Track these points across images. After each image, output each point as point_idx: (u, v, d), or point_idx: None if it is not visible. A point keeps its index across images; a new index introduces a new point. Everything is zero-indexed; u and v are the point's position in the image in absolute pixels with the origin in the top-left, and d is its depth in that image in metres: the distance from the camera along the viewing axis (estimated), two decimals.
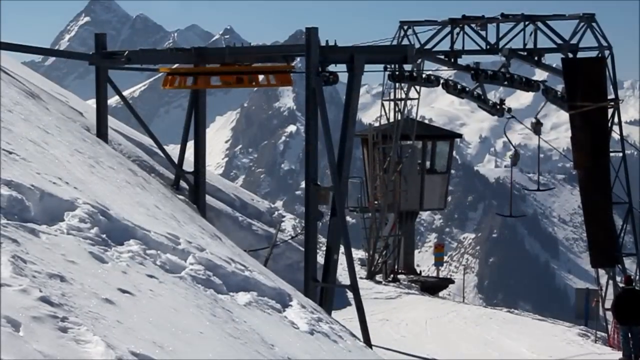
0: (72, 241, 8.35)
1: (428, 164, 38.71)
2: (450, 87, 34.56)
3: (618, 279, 29.80)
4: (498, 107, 34.40)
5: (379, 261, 36.51)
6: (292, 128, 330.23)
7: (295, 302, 11.34)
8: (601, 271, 31.35)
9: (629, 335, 23.55)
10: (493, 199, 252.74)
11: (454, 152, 41.60)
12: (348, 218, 25.06)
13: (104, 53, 22.66)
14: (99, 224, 9.20)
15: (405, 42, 33.52)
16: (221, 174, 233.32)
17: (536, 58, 31.84)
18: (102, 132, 22.69)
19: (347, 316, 22.28)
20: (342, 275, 28.64)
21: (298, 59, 23.04)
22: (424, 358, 22.52)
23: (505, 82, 32.73)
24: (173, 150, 30.48)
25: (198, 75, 22.99)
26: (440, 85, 35.06)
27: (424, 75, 35.11)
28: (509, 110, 34.85)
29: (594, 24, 30.86)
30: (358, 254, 38.10)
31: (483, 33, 32.33)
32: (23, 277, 6.52)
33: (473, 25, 32.41)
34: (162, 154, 26.51)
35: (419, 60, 34.24)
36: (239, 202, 32.94)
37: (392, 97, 36.63)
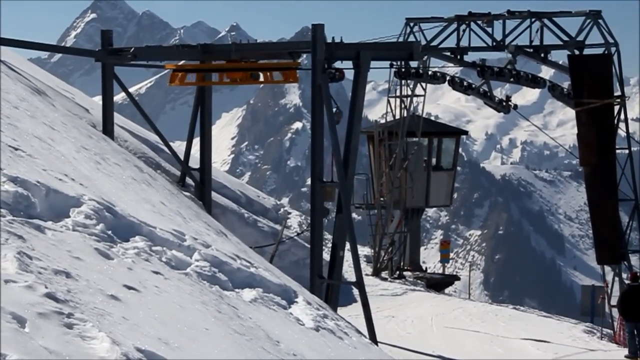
0: (77, 237, 8.36)
1: (434, 160, 38.67)
2: (457, 84, 34.50)
3: (624, 275, 29.74)
4: (504, 103, 34.34)
5: (384, 258, 36.49)
6: (298, 125, 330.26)
7: (301, 298, 11.35)
8: (607, 268, 31.27)
9: (635, 332, 23.54)
10: (499, 196, 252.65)
11: (460, 149, 41.47)
12: (354, 215, 25.07)
13: (110, 50, 22.69)
14: (105, 220, 9.21)
15: (411, 39, 33.46)
16: (227, 170, 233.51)
17: (542, 55, 31.76)
18: (108, 128, 22.73)
19: (352, 313, 22.29)
20: (348, 272, 28.67)
21: (304, 55, 23.05)
22: (429, 354, 22.52)
23: (512, 79, 32.64)
24: (179, 147, 30.49)
25: (204, 72, 23.04)
26: (446, 82, 34.98)
27: (430, 72, 35.06)
28: (515, 107, 34.79)
29: (600, 21, 30.77)
30: (364, 250, 38.07)
31: (489, 30, 32.25)
32: (29, 274, 6.53)
33: (479, 22, 32.33)
34: (168, 151, 26.56)
35: (425, 57, 34.18)
36: (244, 199, 32.95)
37: (398, 94, 36.59)
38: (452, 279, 40.76)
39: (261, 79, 22.58)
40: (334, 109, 23.41)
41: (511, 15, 32.00)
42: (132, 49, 22.52)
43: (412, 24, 34.22)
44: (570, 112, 32.66)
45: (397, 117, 36.69)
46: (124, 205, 10.52)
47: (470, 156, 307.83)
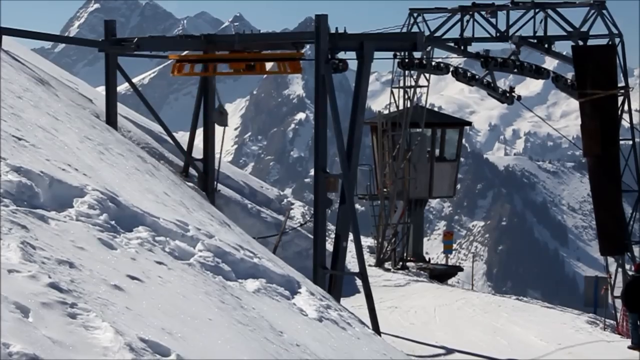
0: (81, 227, 8.36)
1: (437, 151, 38.66)
2: (460, 75, 34.44)
3: (627, 266, 29.75)
4: (508, 94, 34.31)
5: (387, 249, 36.50)
6: (301, 115, 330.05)
7: (304, 289, 11.35)
8: (610, 259, 31.27)
9: (638, 323, 23.55)
10: (502, 187, 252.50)
11: (464, 140, 41.44)
12: (357, 206, 25.07)
13: (114, 40, 22.67)
14: (108, 210, 9.22)
15: (414, 29, 33.44)
16: (230, 161, 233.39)
17: (546, 46, 31.72)
18: (111, 119, 22.73)
19: (355, 303, 22.30)
20: (351, 263, 28.66)
21: (307, 46, 23.03)
22: (432, 345, 22.53)
23: (515, 70, 32.59)
24: (182, 137, 30.49)
25: (207, 62, 23.02)
26: (450, 73, 34.93)
27: (433, 63, 35.01)
28: (519, 98, 34.76)
29: (604, 12, 30.72)
30: (367, 241, 38.09)
31: (493, 20, 32.22)
32: (32, 263, 6.54)
33: (483, 13, 32.29)
34: (171, 141, 26.56)
35: (429, 47, 34.15)
36: (248, 190, 32.94)
37: (401, 84, 36.55)
38: (455, 269, 40.75)
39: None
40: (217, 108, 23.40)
41: (515, 5, 31.95)
42: (136, 40, 22.49)
43: (415, 15, 34.18)
44: (574, 103, 32.65)
45: (401, 107, 36.67)
46: (128, 196, 10.52)
47: (474, 147, 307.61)
